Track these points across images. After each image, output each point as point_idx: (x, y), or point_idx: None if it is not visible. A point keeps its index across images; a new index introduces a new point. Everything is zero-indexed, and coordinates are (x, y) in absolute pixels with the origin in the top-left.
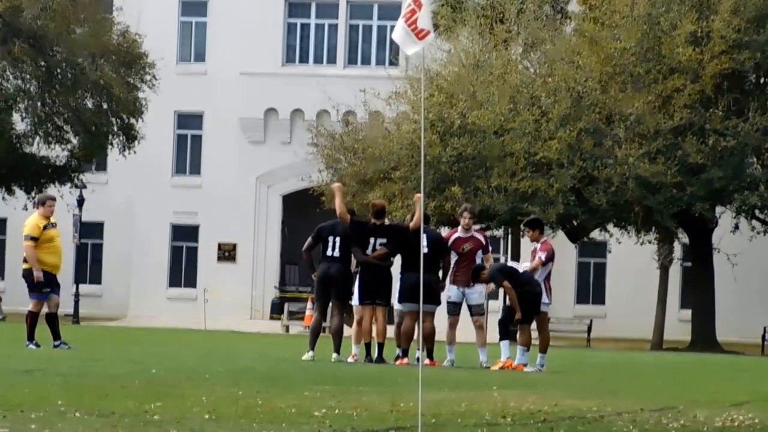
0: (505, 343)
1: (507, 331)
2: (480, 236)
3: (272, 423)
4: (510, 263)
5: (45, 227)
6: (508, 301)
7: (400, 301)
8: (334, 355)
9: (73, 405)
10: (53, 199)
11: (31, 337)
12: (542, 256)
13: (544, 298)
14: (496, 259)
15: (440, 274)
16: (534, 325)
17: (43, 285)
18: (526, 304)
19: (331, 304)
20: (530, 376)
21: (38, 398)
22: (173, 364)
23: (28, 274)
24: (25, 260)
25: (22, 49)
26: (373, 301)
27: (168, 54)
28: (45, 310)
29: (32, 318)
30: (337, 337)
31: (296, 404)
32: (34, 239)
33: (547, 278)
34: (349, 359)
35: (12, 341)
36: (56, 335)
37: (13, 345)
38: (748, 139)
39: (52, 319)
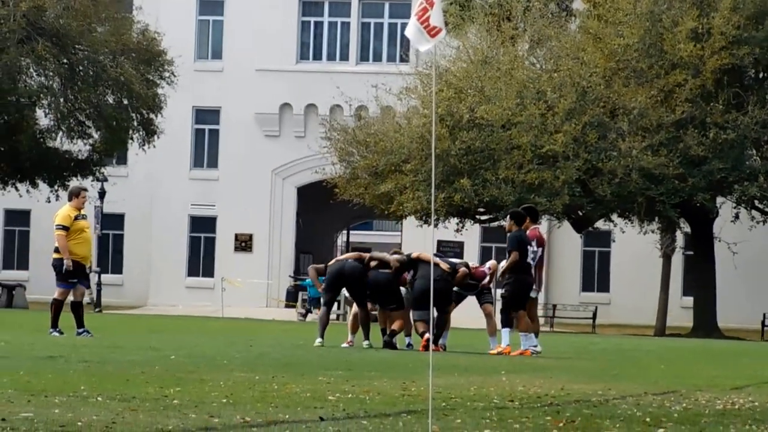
0: (505, 331)
1: (508, 319)
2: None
3: (287, 407)
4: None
5: (76, 218)
6: (503, 291)
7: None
8: (365, 342)
9: (95, 390)
10: (86, 190)
11: (54, 325)
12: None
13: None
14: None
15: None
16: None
17: (71, 275)
18: (520, 293)
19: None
20: (537, 361)
21: (62, 384)
22: (192, 351)
23: (58, 263)
24: (56, 250)
25: (45, 47)
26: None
27: (186, 51)
28: (71, 298)
29: (57, 306)
30: (366, 325)
31: (311, 389)
32: (66, 228)
33: (539, 266)
34: (344, 344)
35: (36, 329)
36: (80, 323)
37: (37, 333)
38: (747, 131)
39: (77, 308)
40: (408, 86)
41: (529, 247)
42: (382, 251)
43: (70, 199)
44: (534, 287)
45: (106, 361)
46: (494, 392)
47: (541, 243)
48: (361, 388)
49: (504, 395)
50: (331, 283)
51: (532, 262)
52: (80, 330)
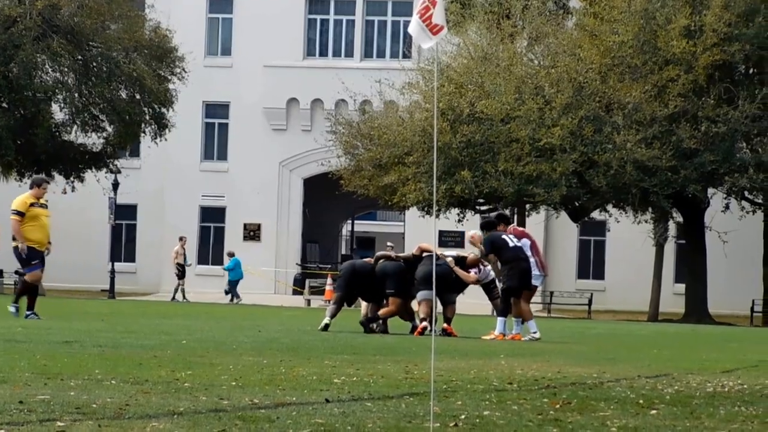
0: (501, 320)
1: (507, 308)
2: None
3: (294, 389)
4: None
5: (32, 204)
6: (500, 283)
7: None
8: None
9: (109, 373)
10: (48, 182)
11: (16, 300)
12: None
13: (535, 271)
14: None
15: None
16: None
17: (32, 257)
18: (516, 279)
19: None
20: (534, 345)
21: (77, 367)
22: (202, 336)
23: (16, 250)
24: (14, 238)
25: (60, 44)
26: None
27: (196, 48)
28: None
29: (23, 285)
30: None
31: (317, 372)
32: (20, 214)
33: (536, 252)
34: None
35: (51, 315)
36: (31, 306)
37: (52, 319)
38: (737, 125)
39: (33, 291)
40: (410, 81)
41: (510, 243)
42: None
43: (31, 188)
44: (539, 273)
45: (119, 345)
46: (493, 375)
47: (520, 235)
48: (365, 371)
49: (503, 378)
50: (345, 282)
51: (529, 253)
52: (29, 312)
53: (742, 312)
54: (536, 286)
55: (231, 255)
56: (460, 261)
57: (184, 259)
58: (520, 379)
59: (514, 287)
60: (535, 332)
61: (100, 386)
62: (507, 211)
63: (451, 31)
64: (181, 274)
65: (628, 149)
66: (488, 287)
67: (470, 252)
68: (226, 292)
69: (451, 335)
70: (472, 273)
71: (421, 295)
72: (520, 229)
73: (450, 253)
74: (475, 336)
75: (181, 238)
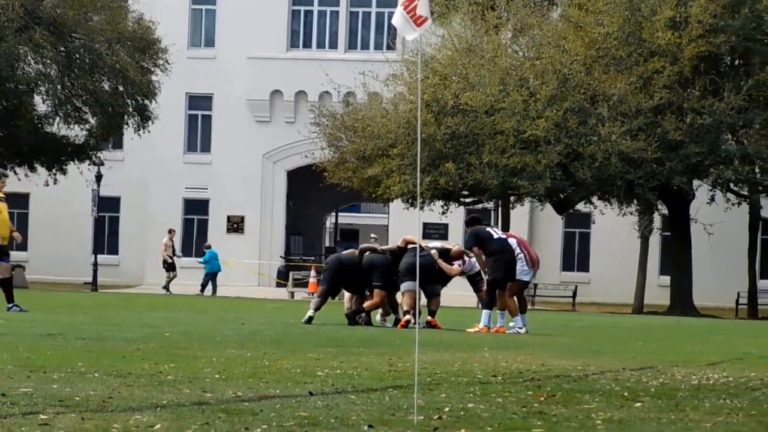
0: (486, 312)
1: (491, 301)
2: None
3: (278, 382)
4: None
5: None
6: (486, 275)
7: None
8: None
9: (92, 366)
10: (6, 175)
11: None
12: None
13: (525, 266)
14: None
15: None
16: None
17: None
18: (501, 271)
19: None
20: (519, 338)
21: (60, 360)
22: (186, 329)
23: None
24: None
25: (42, 35)
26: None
27: (179, 40)
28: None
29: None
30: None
31: (301, 365)
32: None
33: (524, 247)
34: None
35: (35, 308)
36: (9, 298)
37: (35, 312)
38: (723, 117)
39: (7, 283)
40: (395, 73)
41: (494, 235)
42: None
43: None
44: (528, 268)
45: (103, 338)
46: (478, 368)
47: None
48: (349, 364)
49: (487, 371)
50: (331, 275)
51: (518, 250)
52: (10, 305)
53: (727, 305)
54: (527, 282)
55: (209, 247)
56: (444, 253)
57: (173, 251)
58: (504, 371)
59: (499, 279)
60: (521, 327)
61: (83, 379)
62: (491, 204)
63: (436, 23)
64: (170, 266)
65: (613, 141)
66: (473, 279)
67: (455, 244)
68: (203, 286)
69: (436, 327)
70: (456, 265)
71: (404, 286)
72: (507, 233)
73: (434, 244)
74: (460, 329)
75: (170, 231)
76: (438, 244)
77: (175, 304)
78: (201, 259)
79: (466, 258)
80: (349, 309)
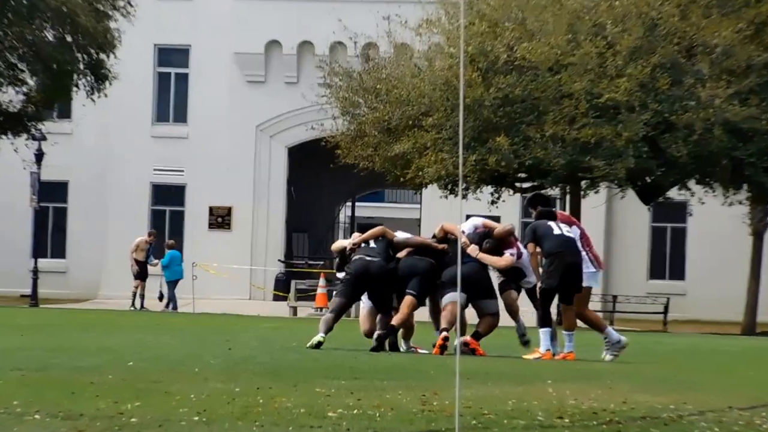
0: (545, 332)
1: (543, 317)
2: None
3: (276, 425)
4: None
5: None
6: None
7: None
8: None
9: (32, 405)
10: None
11: None
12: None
13: (589, 268)
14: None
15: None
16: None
17: None
18: (557, 278)
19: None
20: (592, 366)
21: None
22: (155, 355)
23: None
24: None
25: None
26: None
27: None
28: None
29: None
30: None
31: (306, 403)
32: None
33: (586, 244)
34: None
35: None
36: None
37: None
38: None
39: None
40: (429, 18)
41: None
42: (395, 230)
43: None
44: (594, 269)
45: (46, 367)
46: (538, 407)
47: (566, 221)
48: (369, 401)
49: (551, 411)
50: (352, 286)
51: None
52: None
53: None
54: (590, 288)
55: (170, 247)
56: (486, 236)
57: (147, 256)
58: (572, 411)
59: (552, 287)
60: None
61: (21, 422)
62: (557, 190)
63: None
64: (140, 274)
65: (717, 107)
66: (531, 291)
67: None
68: (160, 297)
69: (476, 353)
70: (507, 254)
71: (447, 297)
72: (566, 214)
73: (469, 224)
74: (514, 354)
75: (150, 233)
76: (475, 222)
77: (142, 323)
78: (160, 261)
79: (519, 246)
80: (369, 330)
